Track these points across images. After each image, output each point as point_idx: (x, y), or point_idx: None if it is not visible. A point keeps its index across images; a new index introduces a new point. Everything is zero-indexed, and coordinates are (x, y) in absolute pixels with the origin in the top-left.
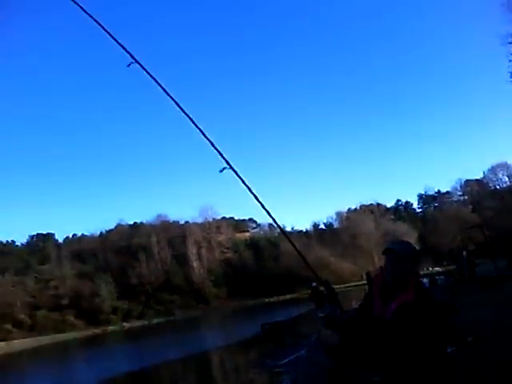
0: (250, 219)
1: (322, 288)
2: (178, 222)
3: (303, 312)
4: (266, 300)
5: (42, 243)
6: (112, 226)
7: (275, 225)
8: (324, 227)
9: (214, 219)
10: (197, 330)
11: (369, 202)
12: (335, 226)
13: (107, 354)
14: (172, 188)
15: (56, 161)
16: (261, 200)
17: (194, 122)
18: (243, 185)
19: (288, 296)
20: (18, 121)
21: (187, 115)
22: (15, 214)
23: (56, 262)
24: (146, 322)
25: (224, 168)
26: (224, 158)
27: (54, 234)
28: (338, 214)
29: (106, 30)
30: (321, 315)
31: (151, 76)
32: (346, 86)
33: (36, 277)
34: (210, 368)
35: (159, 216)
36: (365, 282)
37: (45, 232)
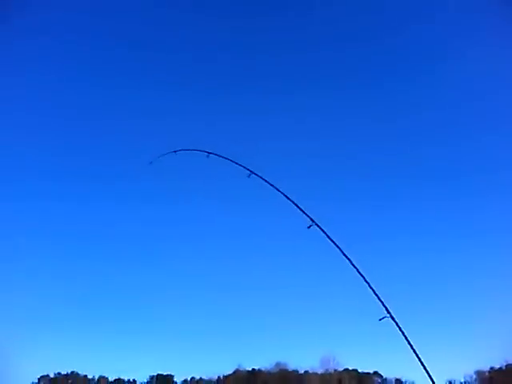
0: (375, 372)
1: None
2: (297, 371)
3: None
4: None
5: None
6: (230, 371)
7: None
8: None
9: (335, 370)
10: None
11: None
12: None
13: None
14: (293, 334)
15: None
16: (418, 352)
17: (360, 273)
18: (402, 335)
19: None
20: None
21: (355, 267)
22: (140, 354)
23: None
24: None
25: (384, 317)
26: (385, 306)
27: (173, 376)
28: (479, 373)
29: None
30: None
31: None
32: None
33: None
34: None
35: (278, 364)
36: None
37: (165, 373)
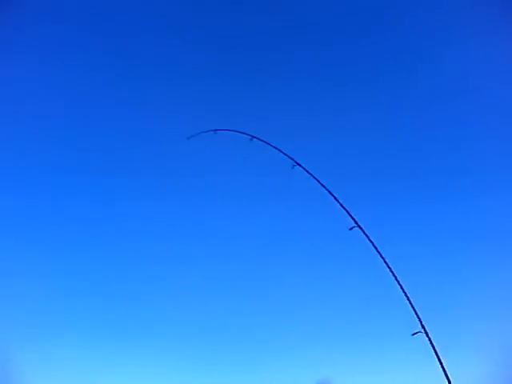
0: None
1: None
2: None
3: None
4: None
5: None
6: None
7: None
8: None
9: None
10: None
11: None
12: None
13: None
14: (288, 355)
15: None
16: (449, 376)
17: (398, 281)
18: (434, 354)
19: None
20: None
21: (398, 281)
22: (160, 374)
23: None
24: None
25: (417, 332)
26: (420, 320)
27: None
28: None
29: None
30: None
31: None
32: None
33: None
34: None
35: None
36: None
37: None
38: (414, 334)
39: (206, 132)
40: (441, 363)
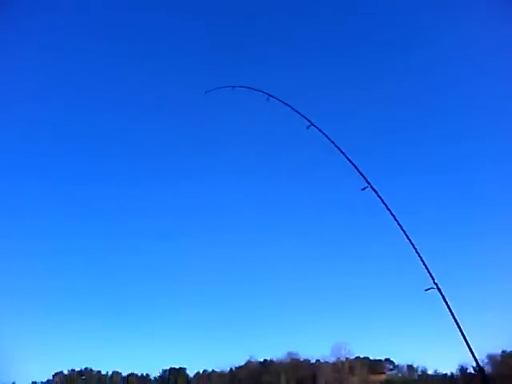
0: (387, 359)
1: None
2: (309, 361)
3: None
4: None
5: (173, 377)
6: (242, 363)
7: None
8: (473, 371)
9: (347, 359)
10: None
11: None
12: (487, 371)
13: None
14: (305, 323)
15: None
16: (462, 328)
17: (413, 246)
18: (447, 309)
19: None
20: None
21: (411, 242)
22: (152, 348)
23: None
24: None
25: (430, 288)
26: (432, 277)
27: (185, 369)
28: (490, 356)
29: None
30: None
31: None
32: None
33: None
34: None
35: (290, 354)
36: None
37: (177, 366)
38: (427, 290)
39: (223, 87)
40: (454, 317)
